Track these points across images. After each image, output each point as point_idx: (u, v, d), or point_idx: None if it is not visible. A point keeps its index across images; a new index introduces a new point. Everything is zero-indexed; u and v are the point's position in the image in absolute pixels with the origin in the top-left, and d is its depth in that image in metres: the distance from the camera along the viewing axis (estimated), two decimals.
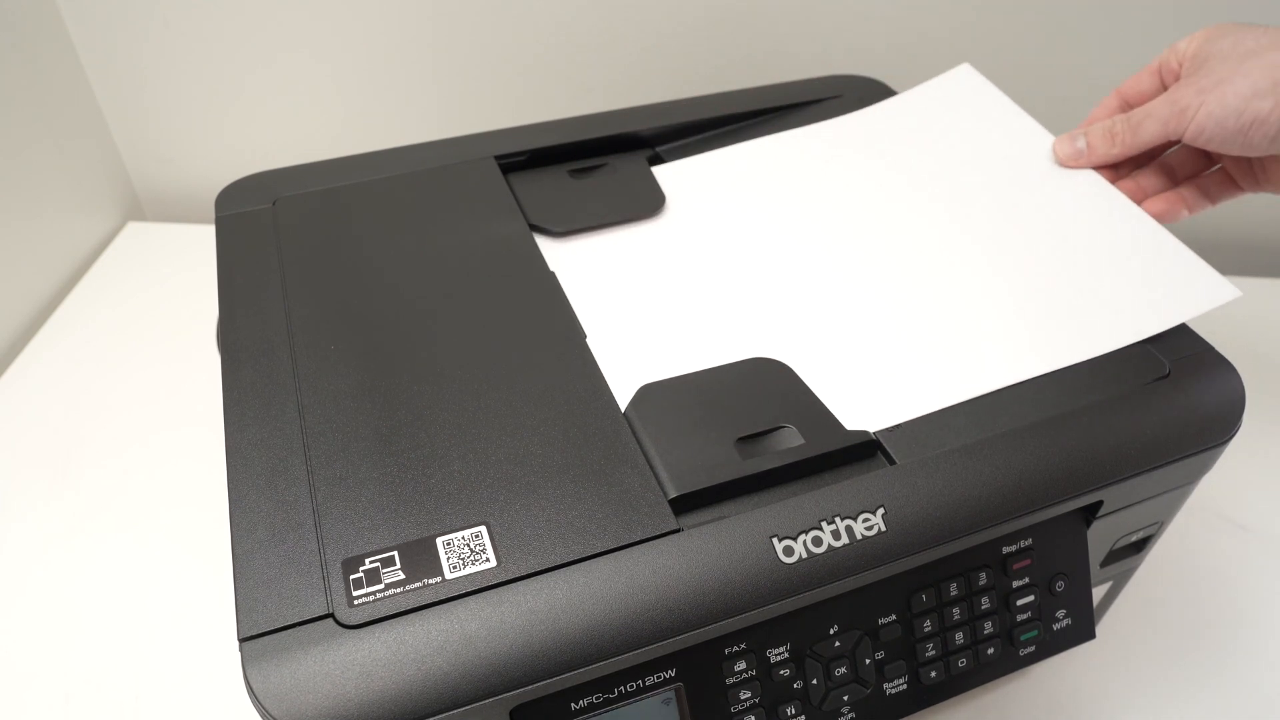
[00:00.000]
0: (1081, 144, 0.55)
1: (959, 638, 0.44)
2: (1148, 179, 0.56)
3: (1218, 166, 0.56)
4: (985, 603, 0.44)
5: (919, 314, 0.49)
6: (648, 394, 0.44)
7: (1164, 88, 0.55)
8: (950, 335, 0.47)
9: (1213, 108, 0.49)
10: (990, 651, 0.45)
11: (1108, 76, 0.84)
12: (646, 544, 0.37)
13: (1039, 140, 0.58)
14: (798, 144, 0.62)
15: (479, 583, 0.36)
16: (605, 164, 0.61)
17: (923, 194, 0.56)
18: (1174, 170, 0.57)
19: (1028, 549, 0.45)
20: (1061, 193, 0.54)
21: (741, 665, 0.40)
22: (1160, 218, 0.53)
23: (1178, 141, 0.53)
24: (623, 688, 0.38)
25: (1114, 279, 0.49)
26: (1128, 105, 0.57)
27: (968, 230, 0.53)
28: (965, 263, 0.51)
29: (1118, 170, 0.56)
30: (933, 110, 0.62)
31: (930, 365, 0.46)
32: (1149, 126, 0.52)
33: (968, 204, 0.55)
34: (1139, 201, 0.54)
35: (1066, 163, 0.55)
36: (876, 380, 0.46)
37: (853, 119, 0.64)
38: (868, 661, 0.42)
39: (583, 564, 0.36)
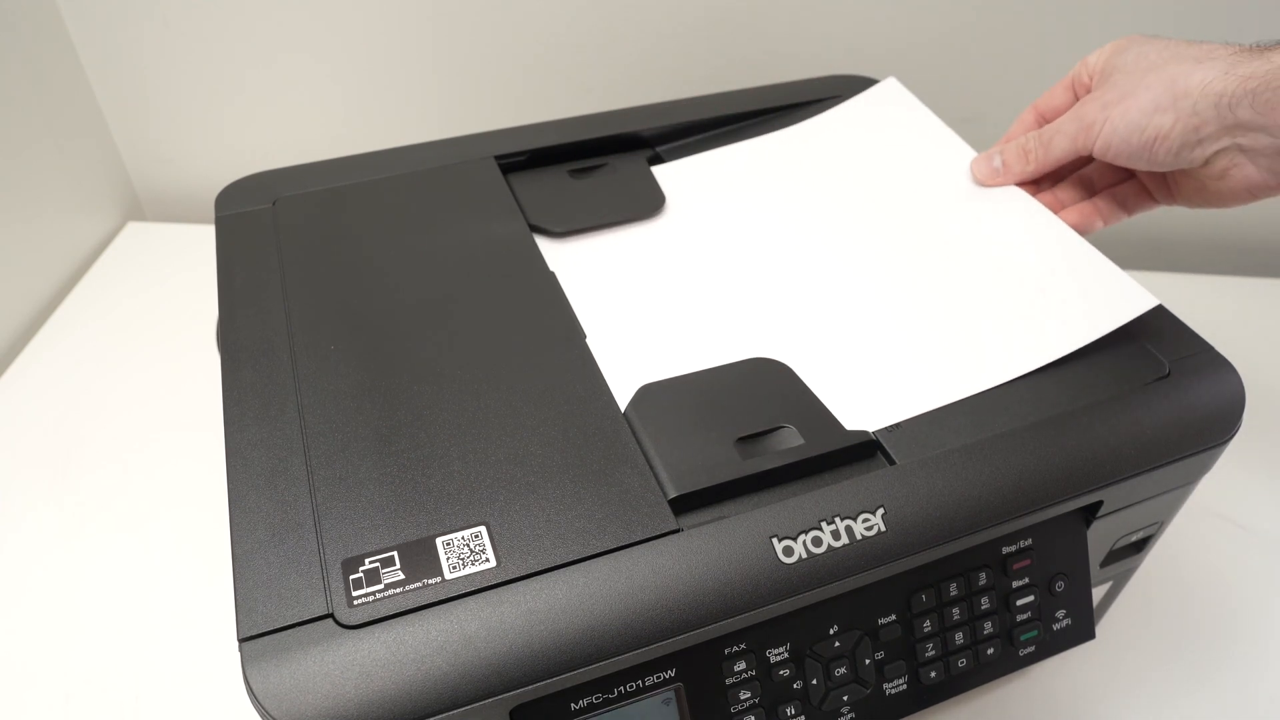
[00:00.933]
0: (998, 162, 0.55)
1: (959, 638, 0.44)
2: (1065, 192, 0.56)
3: (1132, 178, 0.56)
4: (985, 603, 0.44)
5: (917, 313, 0.49)
6: (648, 394, 0.44)
7: (1076, 102, 0.55)
8: (943, 334, 0.48)
9: (1116, 123, 0.49)
10: (990, 651, 0.45)
11: None
12: (646, 544, 0.37)
13: (962, 155, 0.58)
14: (794, 144, 0.62)
15: (479, 583, 0.36)
16: (605, 164, 0.61)
17: (869, 205, 0.57)
18: (1093, 182, 0.56)
19: (1027, 549, 0.45)
20: (987, 209, 0.54)
21: (741, 665, 0.40)
22: (1074, 230, 0.52)
23: (1091, 156, 0.53)
24: (623, 688, 0.38)
25: (1038, 294, 0.49)
26: (1043, 120, 0.57)
27: (903, 244, 0.54)
28: (912, 273, 0.52)
29: (1038, 184, 0.56)
30: (863, 125, 0.63)
31: (929, 363, 0.46)
32: (1059, 143, 0.52)
33: (902, 217, 0.55)
34: (1055, 214, 0.53)
35: (985, 181, 0.55)
36: (876, 379, 0.46)
37: (807, 126, 0.64)
38: (868, 661, 0.42)
39: (582, 564, 0.36)
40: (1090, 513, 0.45)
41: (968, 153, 0.58)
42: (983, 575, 0.44)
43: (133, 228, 0.96)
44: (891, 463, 0.42)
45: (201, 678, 0.57)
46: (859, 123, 0.63)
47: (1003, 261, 0.51)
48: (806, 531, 0.38)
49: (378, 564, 0.36)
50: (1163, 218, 0.61)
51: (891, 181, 0.58)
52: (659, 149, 0.64)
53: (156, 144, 0.97)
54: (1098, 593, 0.53)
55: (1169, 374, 0.45)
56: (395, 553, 0.37)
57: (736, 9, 0.85)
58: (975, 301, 0.49)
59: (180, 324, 0.83)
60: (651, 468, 0.40)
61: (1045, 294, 0.49)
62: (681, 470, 0.40)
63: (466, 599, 0.35)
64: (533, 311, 0.48)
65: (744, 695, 0.40)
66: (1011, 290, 0.49)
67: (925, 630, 0.43)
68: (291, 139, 0.96)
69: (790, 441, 0.42)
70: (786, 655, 0.41)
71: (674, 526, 0.38)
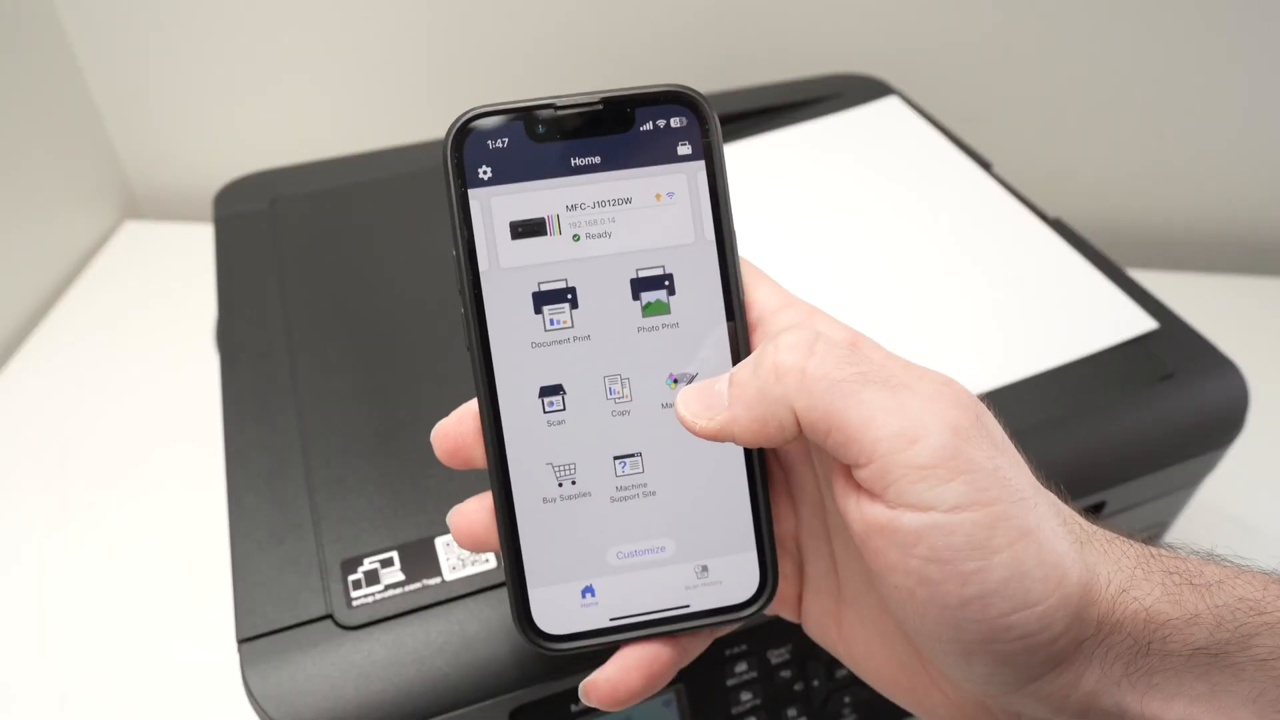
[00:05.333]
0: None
1: None
2: None
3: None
4: None
5: (916, 313, 0.49)
6: None
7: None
8: (942, 335, 0.47)
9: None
10: None
11: (1106, 76, 0.84)
12: None
13: (962, 164, 0.58)
14: (795, 144, 0.62)
15: (479, 583, 0.36)
16: None
17: (879, 208, 0.57)
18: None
19: None
20: (988, 218, 0.55)
21: (742, 666, 0.40)
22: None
23: None
24: None
25: (1038, 301, 0.49)
26: None
27: (902, 245, 0.54)
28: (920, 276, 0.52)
29: None
30: (866, 130, 0.64)
31: (928, 363, 0.46)
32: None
33: (901, 219, 0.55)
34: None
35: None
36: None
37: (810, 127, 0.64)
38: None
39: None
40: (1093, 513, 0.45)
41: (967, 162, 0.58)
42: None
43: (130, 226, 0.96)
44: None
45: (201, 679, 0.57)
46: (862, 128, 0.63)
47: (1003, 268, 0.51)
48: None
49: (377, 564, 0.36)
50: (1163, 217, 0.61)
51: (892, 185, 0.58)
52: None
53: (153, 142, 0.97)
54: None
55: (1172, 374, 0.45)
56: (395, 553, 0.36)
57: (737, 8, 0.85)
58: (975, 305, 0.49)
59: (178, 324, 0.82)
60: None
61: (1045, 303, 0.49)
62: None
63: (466, 600, 0.35)
64: None
65: (745, 697, 0.40)
66: (1010, 295, 0.49)
67: None
68: (290, 138, 0.96)
69: None
70: (788, 656, 0.41)
71: None
